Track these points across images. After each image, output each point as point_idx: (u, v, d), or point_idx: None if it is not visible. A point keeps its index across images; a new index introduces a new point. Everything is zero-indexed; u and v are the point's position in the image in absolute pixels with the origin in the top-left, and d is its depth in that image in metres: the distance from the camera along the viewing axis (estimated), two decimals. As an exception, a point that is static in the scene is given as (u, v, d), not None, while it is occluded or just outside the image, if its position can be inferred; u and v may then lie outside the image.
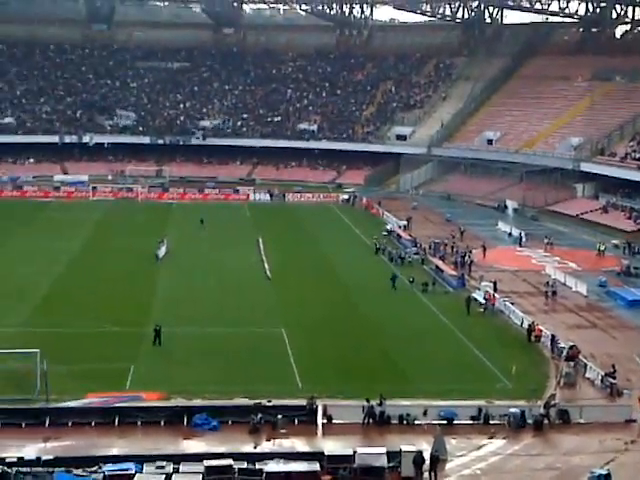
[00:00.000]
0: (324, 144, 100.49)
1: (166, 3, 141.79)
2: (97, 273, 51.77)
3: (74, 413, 29.81)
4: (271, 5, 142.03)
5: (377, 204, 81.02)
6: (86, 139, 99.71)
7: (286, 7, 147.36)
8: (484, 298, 45.60)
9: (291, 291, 48.72)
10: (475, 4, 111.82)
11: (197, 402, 31.06)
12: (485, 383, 34.07)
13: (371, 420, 29.84)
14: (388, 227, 69.09)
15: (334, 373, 34.92)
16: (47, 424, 29.07)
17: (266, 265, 54.78)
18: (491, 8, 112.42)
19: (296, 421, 29.78)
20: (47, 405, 30.50)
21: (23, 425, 29.01)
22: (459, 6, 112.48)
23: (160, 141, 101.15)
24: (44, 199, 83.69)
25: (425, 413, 30.17)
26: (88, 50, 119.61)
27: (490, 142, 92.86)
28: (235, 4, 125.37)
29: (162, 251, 57.16)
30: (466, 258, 56.08)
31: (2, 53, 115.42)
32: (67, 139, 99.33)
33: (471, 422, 30.24)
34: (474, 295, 46.39)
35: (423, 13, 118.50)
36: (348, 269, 55.00)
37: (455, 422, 30.03)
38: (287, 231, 69.69)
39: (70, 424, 29.16)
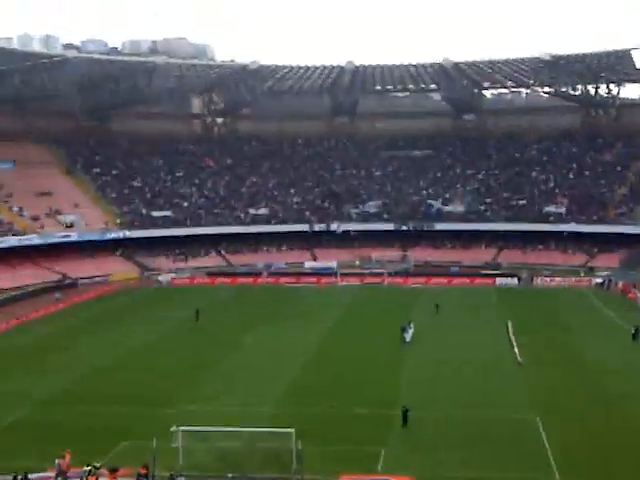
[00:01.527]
0: (573, 226, 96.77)
1: (406, 93, 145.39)
2: (346, 355, 52.54)
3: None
4: (512, 89, 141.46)
5: (632, 287, 76.47)
6: (334, 227, 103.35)
7: (527, 91, 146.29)
8: None
9: (543, 377, 46.38)
10: None
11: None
12: None
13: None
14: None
15: (595, 466, 32.37)
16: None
17: (516, 349, 52.88)
18: None
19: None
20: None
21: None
22: None
23: (404, 227, 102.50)
24: (296, 284, 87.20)
25: None
26: (333, 141, 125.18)
27: None
28: (475, 90, 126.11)
29: (409, 334, 57.09)
30: None
31: (255, 149, 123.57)
32: (316, 227, 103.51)
33: None
34: None
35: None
36: (604, 356, 51.55)
37: None
38: (537, 315, 67.17)
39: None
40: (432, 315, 66.60)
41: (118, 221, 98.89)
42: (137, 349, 56.05)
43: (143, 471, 30.16)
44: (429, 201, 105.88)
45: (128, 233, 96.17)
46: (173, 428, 33.31)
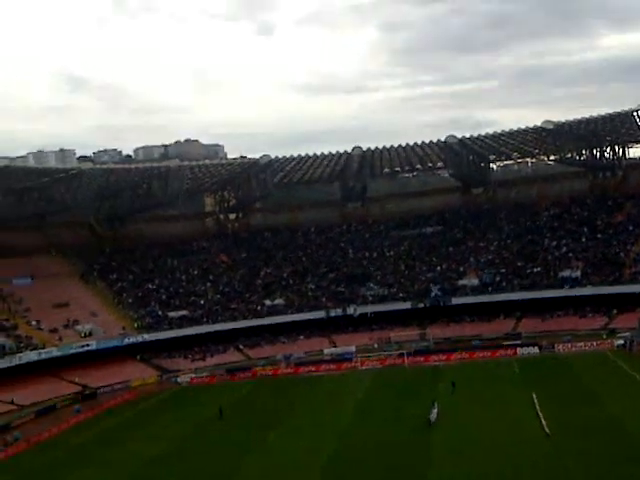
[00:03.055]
0: (590, 290, 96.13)
1: (414, 173, 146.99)
2: (373, 441, 51.74)
3: None
4: (518, 160, 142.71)
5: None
6: (350, 311, 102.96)
7: (534, 160, 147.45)
8: None
9: (573, 448, 45.24)
10: None
11: None
12: None
13: None
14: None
15: None
16: None
17: (543, 421, 51.92)
18: None
19: None
20: None
21: None
22: None
23: (421, 305, 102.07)
24: (316, 373, 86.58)
25: None
26: (345, 226, 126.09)
27: None
28: (482, 164, 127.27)
29: (434, 414, 56.27)
30: None
31: (269, 240, 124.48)
32: (332, 313, 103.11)
33: None
34: None
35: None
36: (636, 422, 50.18)
37: None
38: (561, 384, 66.08)
39: None
40: (450, 394, 65.29)
41: (135, 325, 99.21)
42: (158, 457, 55.27)
43: None
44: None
45: (146, 336, 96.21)
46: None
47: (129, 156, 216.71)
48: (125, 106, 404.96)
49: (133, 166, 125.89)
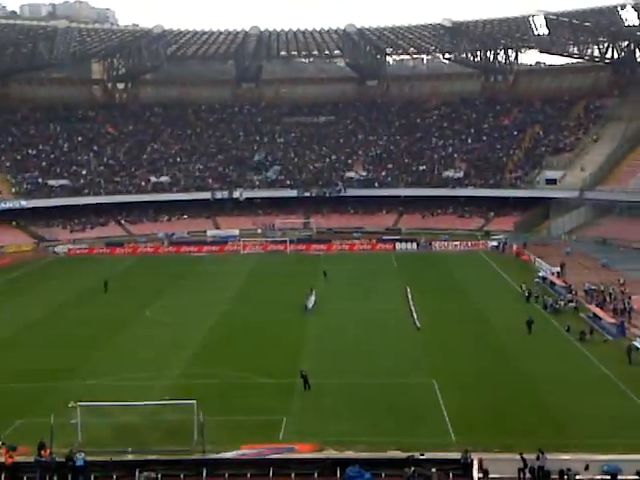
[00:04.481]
0: (470, 191, 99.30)
1: (311, 59, 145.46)
2: (248, 324, 52.79)
3: (230, 465, 29.97)
4: (414, 56, 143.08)
5: (522, 246, 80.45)
6: (236, 194, 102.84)
7: (429, 57, 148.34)
8: (647, 346, 43.14)
9: (441, 341, 47.70)
10: (625, 44, 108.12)
11: (350, 454, 30.65)
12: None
13: (529, 475, 28.54)
14: (541, 274, 66.95)
15: (488, 426, 33.64)
16: (204, 475, 29.38)
17: (415, 315, 54.17)
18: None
19: (451, 475, 28.81)
20: (204, 456, 30.88)
21: (182, 476, 29.44)
22: (608, 47, 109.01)
23: (307, 194, 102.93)
24: (198, 254, 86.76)
25: (587, 468, 28.49)
26: (237, 108, 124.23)
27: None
28: (379, 56, 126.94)
29: (311, 301, 57.71)
30: (626, 304, 53.52)
31: (157, 115, 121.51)
32: (219, 195, 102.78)
33: (637, 477, 28.31)
34: (635, 343, 43.93)
35: (570, 55, 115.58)
36: (499, 318, 53.39)
37: (620, 478, 28.16)
38: (435, 280, 68.76)
39: (227, 476, 29.37)
40: (325, 282, 66.82)
41: (13, 190, 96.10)
42: (32, 324, 54.77)
43: (45, 453, 29.74)
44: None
45: (24, 202, 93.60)
46: (71, 404, 32.96)
47: (14, 12, 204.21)
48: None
49: (18, 22, 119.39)
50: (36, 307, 59.84)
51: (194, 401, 32.39)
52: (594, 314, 52.06)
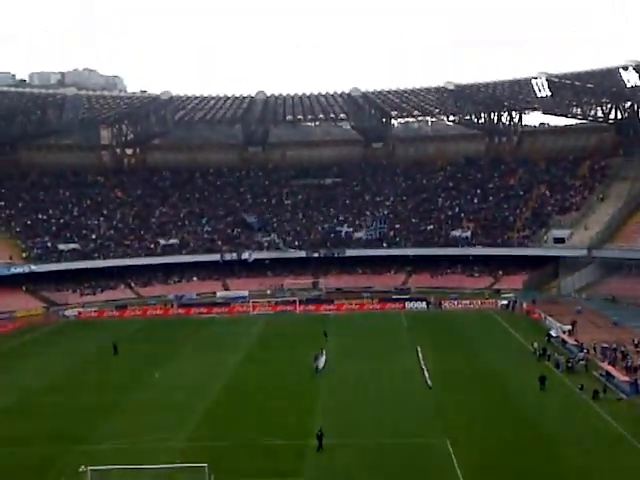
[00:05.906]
0: (479, 250, 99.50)
1: (317, 123, 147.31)
2: (259, 386, 52.43)
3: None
4: (419, 118, 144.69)
5: (532, 303, 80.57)
6: (245, 256, 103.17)
7: (434, 119, 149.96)
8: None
9: (453, 400, 47.32)
10: (627, 104, 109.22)
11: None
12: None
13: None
14: (552, 332, 66.59)
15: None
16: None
17: (426, 374, 53.86)
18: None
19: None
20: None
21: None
22: (610, 107, 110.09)
23: (315, 254, 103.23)
24: (207, 315, 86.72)
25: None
26: (245, 171, 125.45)
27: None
28: (384, 119, 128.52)
29: (321, 362, 57.38)
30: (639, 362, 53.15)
31: (165, 179, 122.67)
32: (227, 257, 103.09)
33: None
34: (651, 401, 43.54)
35: (573, 116, 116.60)
36: (510, 377, 53.08)
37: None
38: (446, 339, 68.51)
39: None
40: (326, 343, 66.25)
41: (24, 255, 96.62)
42: (40, 389, 54.43)
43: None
44: (338, 228, 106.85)
45: (34, 267, 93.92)
46: (82, 468, 32.71)
47: (23, 80, 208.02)
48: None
49: (27, 90, 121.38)
50: (43, 372, 59.60)
51: (205, 464, 32.10)
52: (607, 372, 51.64)
